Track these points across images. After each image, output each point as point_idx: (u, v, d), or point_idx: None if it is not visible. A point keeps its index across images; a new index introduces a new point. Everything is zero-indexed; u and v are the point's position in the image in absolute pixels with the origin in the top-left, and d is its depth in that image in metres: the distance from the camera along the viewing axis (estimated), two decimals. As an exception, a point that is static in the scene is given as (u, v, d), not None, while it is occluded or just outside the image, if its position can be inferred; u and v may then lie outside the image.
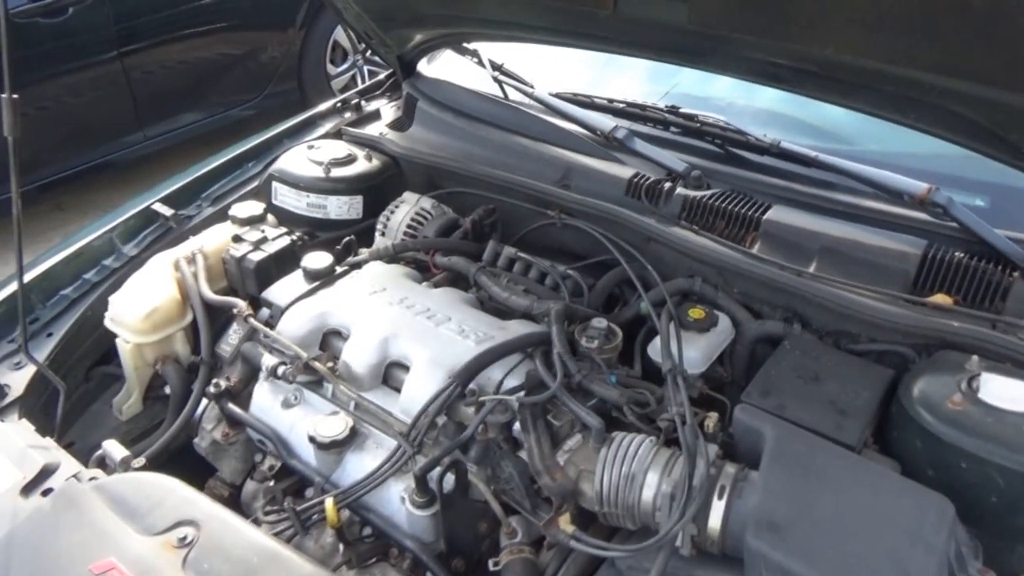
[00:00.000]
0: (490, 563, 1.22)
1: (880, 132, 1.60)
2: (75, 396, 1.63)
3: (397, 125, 2.13)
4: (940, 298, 1.37)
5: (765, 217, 1.53)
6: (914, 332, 1.33)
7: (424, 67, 2.22)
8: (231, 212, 1.80)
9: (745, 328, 1.48)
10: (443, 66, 2.24)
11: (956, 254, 1.40)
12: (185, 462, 1.51)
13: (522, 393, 1.26)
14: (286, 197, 1.89)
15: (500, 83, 2.01)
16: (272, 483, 1.42)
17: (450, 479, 1.23)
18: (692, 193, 1.60)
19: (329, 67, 4.91)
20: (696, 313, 1.44)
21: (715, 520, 1.09)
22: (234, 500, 1.48)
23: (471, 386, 1.29)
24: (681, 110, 1.77)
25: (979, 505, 1.12)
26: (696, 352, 1.39)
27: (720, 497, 1.10)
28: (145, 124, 4.04)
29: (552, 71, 2.14)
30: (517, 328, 1.41)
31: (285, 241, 1.71)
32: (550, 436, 1.23)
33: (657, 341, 1.39)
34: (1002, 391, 1.17)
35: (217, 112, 4.36)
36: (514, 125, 1.90)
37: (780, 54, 1.34)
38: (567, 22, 1.61)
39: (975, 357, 1.24)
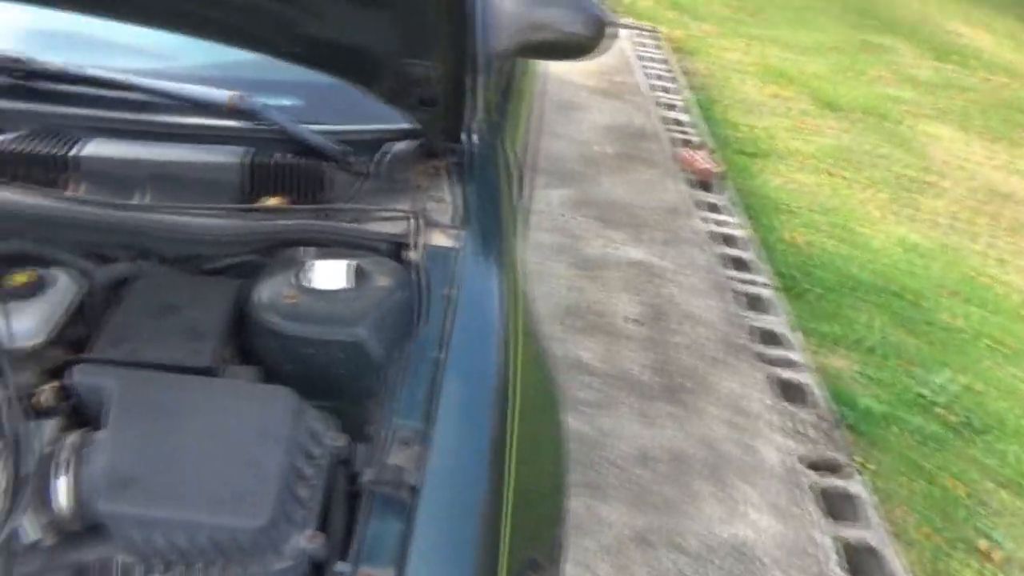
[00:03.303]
0: None
1: (196, 47, 1.56)
2: None
3: None
4: (272, 201, 1.44)
5: (82, 154, 1.39)
6: (253, 240, 1.38)
7: None
8: None
9: (95, 277, 1.36)
10: None
11: (278, 156, 1.48)
12: None
13: None
14: None
15: None
16: None
17: None
18: (-19, 141, 1.37)
19: None
20: (18, 278, 1.26)
21: (63, 498, 1.00)
22: None
23: None
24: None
25: (332, 381, 1.24)
26: (28, 321, 1.22)
27: (66, 472, 1.01)
28: None
29: None
30: None
31: None
32: None
33: None
34: (325, 274, 1.29)
35: None
36: None
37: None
38: None
39: (303, 249, 1.34)
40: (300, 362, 1.24)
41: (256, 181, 1.45)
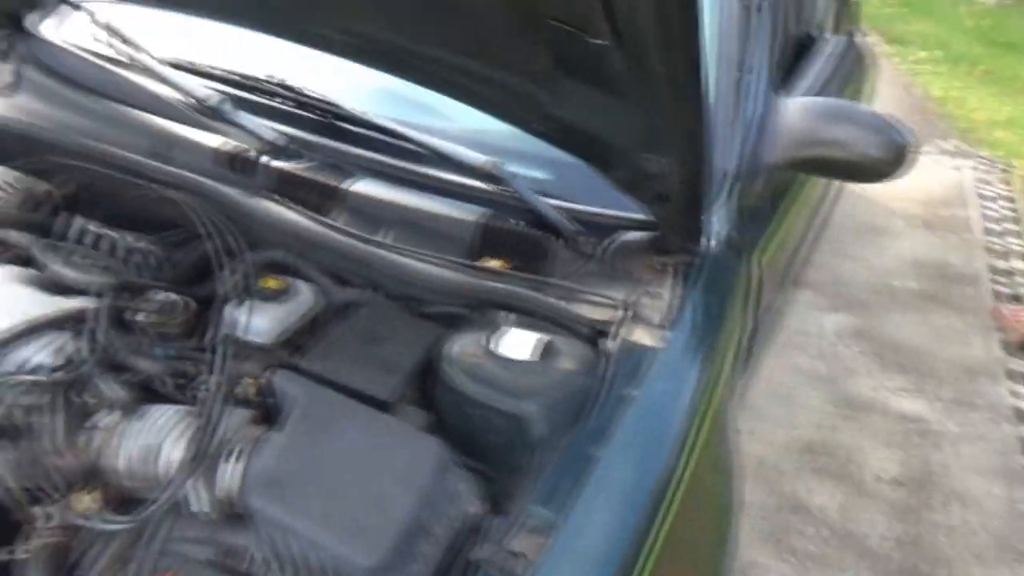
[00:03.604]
0: (17, 553, 1.16)
1: (468, 111, 1.70)
2: None
3: (6, 91, 1.94)
4: (493, 262, 1.51)
5: (349, 189, 1.58)
6: (467, 294, 1.45)
7: (51, 29, 2.04)
8: None
9: (331, 296, 1.53)
10: (71, 27, 2.07)
11: (512, 222, 1.55)
12: None
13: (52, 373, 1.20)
14: None
15: (110, 45, 1.89)
16: None
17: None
18: (281, 165, 1.62)
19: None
20: (268, 283, 1.45)
21: (228, 481, 1.11)
22: None
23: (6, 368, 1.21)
24: (287, 82, 1.78)
25: (487, 445, 1.25)
26: (265, 321, 1.40)
27: (237, 459, 1.13)
28: None
29: (181, 39, 2.05)
30: (65, 305, 1.34)
31: None
32: (71, 415, 1.19)
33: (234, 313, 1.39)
34: (515, 343, 1.31)
35: None
36: (118, 93, 1.81)
37: (329, 27, 1.38)
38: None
39: (505, 313, 1.38)
40: (463, 419, 1.27)
41: (485, 241, 1.53)
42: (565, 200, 1.60)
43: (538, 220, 1.56)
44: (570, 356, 1.32)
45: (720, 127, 1.69)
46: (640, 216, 1.56)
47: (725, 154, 1.71)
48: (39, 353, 1.24)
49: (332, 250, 1.51)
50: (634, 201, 1.51)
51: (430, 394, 1.35)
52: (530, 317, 1.41)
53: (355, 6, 1.27)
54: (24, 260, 1.52)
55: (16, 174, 1.67)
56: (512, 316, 1.40)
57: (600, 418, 1.21)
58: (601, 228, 1.57)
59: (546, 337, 1.34)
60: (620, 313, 1.41)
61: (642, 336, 1.38)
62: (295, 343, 1.48)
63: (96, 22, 1.91)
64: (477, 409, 1.24)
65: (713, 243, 1.58)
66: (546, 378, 1.27)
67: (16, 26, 1.99)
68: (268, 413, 1.26)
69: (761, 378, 2.87)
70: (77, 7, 1.92)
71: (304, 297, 1.49)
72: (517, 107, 1.37)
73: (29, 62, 1.95)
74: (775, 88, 2.04)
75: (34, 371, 1.20)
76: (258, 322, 1.39)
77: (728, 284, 1.65)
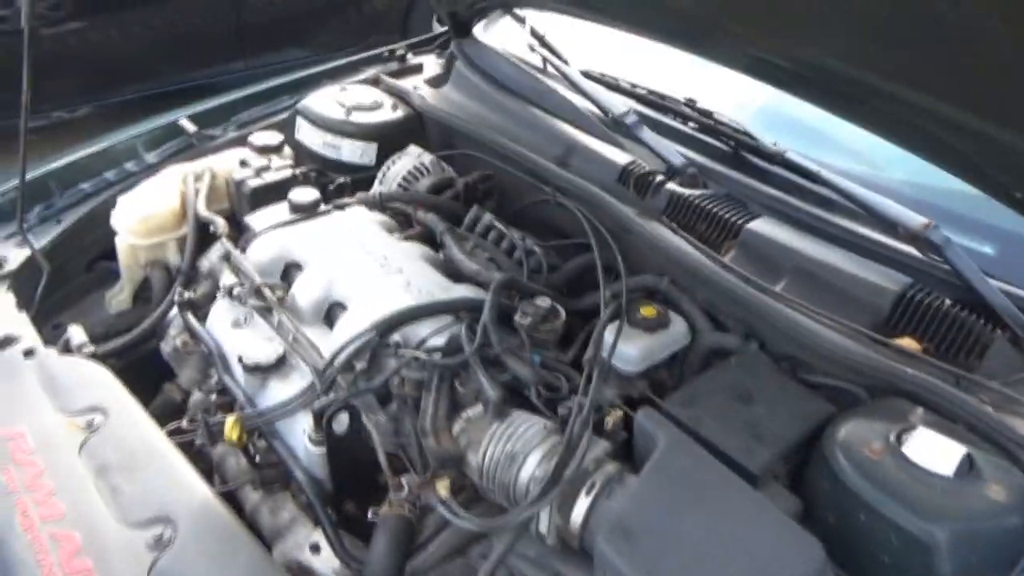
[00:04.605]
0: (370, 512, 1.23)
1: (908, 161, 1.47)
2: (76, 283, 1.76)
3: (434, 82, 2.15)
4: (907, 341, 1.26)
5: (747, 226, 1.45)
6: (868, 372, 1.23)
7: (480, 31, 2.21)
8: (250, 139, 1.87)
9: (701, 336, 1.41)
10: (500, 32, 2.23)
11: (939, 298, 1.29)
12: (160, 362, 1.60)
13: (438, 354, 1.25)
14: (306, 134, 1.94)
15: (536, 52, 1.99)
16: (215, 396, 1.48)
17: (344, 422, 1.24)
18: (681, 190, 1.54)
19: (435, 25, 4.98)
20: (647, 311, 1.38)
21: (578, 515, 1.06)
22: (184, 405, 1.56)
23: (396, 339, 1.30)
24: (698, 105, 1.69)
25: (871, 561, 1.04)
26: (635, 350, 1.33)
27: (588, 493, 1.06)
28: (247, 54, 4.23)
29: (600, 49, 2.09)
30: (462, 291, 1.40)
31: (286, 173, 1.76)
32: (452, 401, 1.22)
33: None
34: (929, 449, 1.07)
35: (317, 54, 4.51)
36: (535, 97, 1.88)
37: (772, 50, 1.25)
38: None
39: (920, 409, 1.14)
40: (847, 523, 1.06)
41: (903, 315, 1.29)
42: (1015, 284, 1.30)
43: (975, 302, 1.28)
44: (1000, 484, 1.04)
45: None
46: None
47: None
48: (433, 334, 1.30)
49: (715, 287, 1.39)
50: None
51: (804, 477, 1.17)
52: (948, 421, 1.15)
53: (817, 31, 1.12)
54: (429, 239, 1.64)
55: (431, 158, 1.82)
56: (922, 413, 1.15)
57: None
58: (1062, 329, 1.24)
59: (967, 449, 1.08)
60: (1076, 444, 1.09)
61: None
62: (654, 377, 1.40)
63: (529, 30, 2.02)
64: (870, 517, 1.03)
65: None
66: (967, 504, 1.01)
67: (463, 31, 2.17)
68: (625, 447, 1.19)
69: None
70: (520, 18, 2.04)
71: (677, 331, 1.40)
72: (1001, 170, 1.12)
73: (459, 58, 2.12)
74: None
75: (427, 350, 1.27)
76: (628, 350, 1.32)
77: None
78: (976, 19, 0.91)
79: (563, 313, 1.37)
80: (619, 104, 1.71)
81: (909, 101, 1.13)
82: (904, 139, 1.25)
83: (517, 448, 1.13)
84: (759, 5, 1.16)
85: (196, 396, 1.52)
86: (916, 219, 1.32)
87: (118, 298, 1.75)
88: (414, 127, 1.97)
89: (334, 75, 2.18)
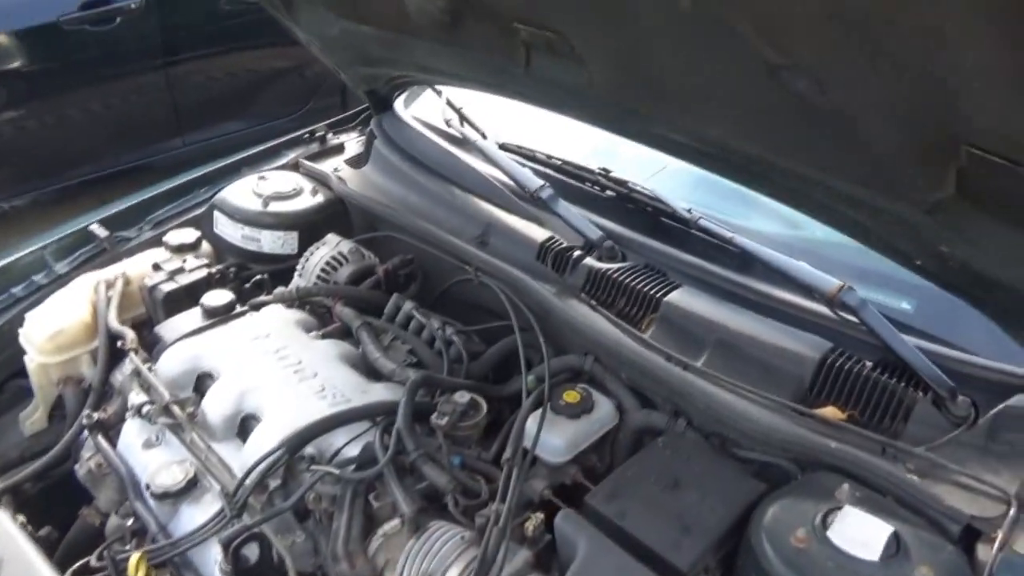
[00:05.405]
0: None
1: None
2: (-13, 405, 1.68)
3: (354, 162, 2.12)
4: (830, 410, 1.24)
5: (666, 299, 1.42)
6: (793, 448, 1.20)
7: (401, 105, 2.19)
8: (165, 238, 1.82)
9: (629, 416, 1.38)
10: (422, 104, 2.21)
11: (860, 362, 1.27)
12: (76, 484, 1.53)
13: (351, 467, 1.20)
14: (225, 227, 1.90)
15: (452, 126, 1.97)
16: (131, 521, 1.41)
17: (255, 550, 1.18)
18: (599, 265, 1.51)
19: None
20: (570, 396, 1.34)
21: (499, 636, 1.01)
22: (103, 529, 1.48)
23: (310, 451, 1.25)
24: (612, 174, 1.68)
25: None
26: (560, 439, 1.29)
27: (513, 613, 1.02)
28: (185, 131, 4.19)
29: (521, 117, 2.07)
30: (380, 392, 1.35)
31: (201, 273, 1.71)
32: (367, 516, 1.17)
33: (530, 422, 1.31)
34: (856, 531, 1.04)
35: (258, 123, 4.47)
36: (454, 175, 1.86)
37: (675, 129, 1.24)
38: (489, 74, 1.56)
39: (846, 485, 1.11)
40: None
41: (825, 382, 1.27)
42: (935, 342, 1.29)
43: (896, 364, 1.26)
44: (928, 564, 1.01)
45: None
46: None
47: None
48: (346, 443, 1.25)
49: (637, 366, 1.36)
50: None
51: (735, 567, 1.12)
52: (876, 493, 1.12)
53: (712, 112, 1.11)
54: (350, 332, 1.59)
55: (351, 245, 1.78)
56: (848, 488, 1.11)
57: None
58: (983, 385, 1.22)
59: (894, 529, 1.04)
60: (1007, 510, 1.06)
61: (1039, 548, 1.02)
62: (583, 463, 1.35)
63: (446, 102, 2.00)
64: (794, 610, 0.99)
65: None
66: (892, 592, 0.98)
67: (383, 106, 2.14)
68: (549, 549, 1.14)
69: None
70: (438, 91, 2.02)
71: (603, 414, 1.36)
72: (898, 239, 1.11)
73: (379, 137, 2.09)
74: None
75: (340, 463, 1.22)
76: (553, 440, 1.28)
77: None
78: (847, 104, 0.90)
79: (484, 406, 1.33)
80: (534, 179, 1.69)
81: (803, 175, 1.12)
82: (809, 209, 1.24)
83: (433, 566, 1.08)
84: (660, 89, 1.15)
85: (113, 521, 1.45)
86: (830, 282, 1.30)
87: (32, 419, 1.67)
88: (336, 211, 1.94)
89: (253, 162, 2.14)
